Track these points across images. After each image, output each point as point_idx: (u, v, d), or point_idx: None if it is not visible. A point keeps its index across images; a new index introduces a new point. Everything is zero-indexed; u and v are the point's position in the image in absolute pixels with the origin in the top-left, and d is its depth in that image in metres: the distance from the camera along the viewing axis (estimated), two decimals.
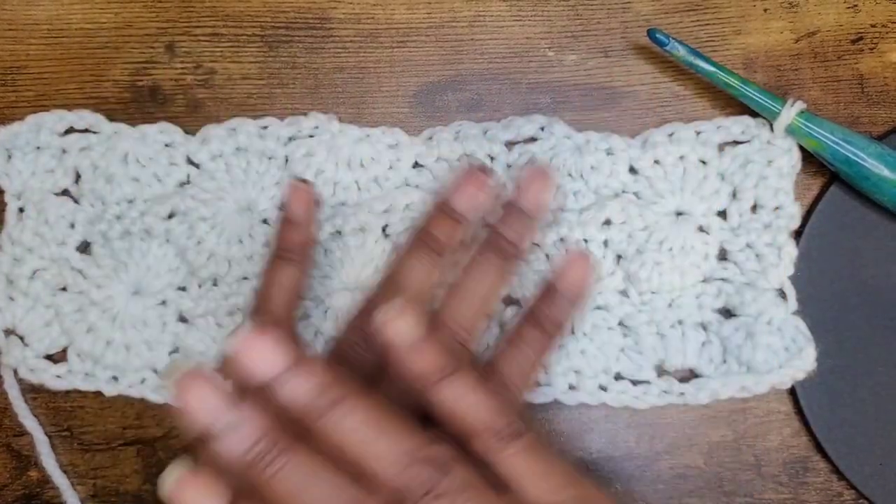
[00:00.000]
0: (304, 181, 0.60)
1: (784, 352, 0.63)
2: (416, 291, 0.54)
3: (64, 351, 0.65)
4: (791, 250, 0.63)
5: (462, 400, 0.48)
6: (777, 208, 0.64)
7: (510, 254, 0.56)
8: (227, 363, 0.44)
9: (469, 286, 0.55)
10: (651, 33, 0.63)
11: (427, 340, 0.48)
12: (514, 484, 0.48)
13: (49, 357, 0.65)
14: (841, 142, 0.62)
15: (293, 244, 0.59)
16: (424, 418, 0.49)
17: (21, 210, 0.66)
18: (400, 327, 0.48)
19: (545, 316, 0.56)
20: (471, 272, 0.56)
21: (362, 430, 0.45)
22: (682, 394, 0.63)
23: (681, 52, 0.63)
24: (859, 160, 0.61)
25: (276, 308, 0.58)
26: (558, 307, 0.56)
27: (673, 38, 0.63)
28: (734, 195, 0.65)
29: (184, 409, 0.43)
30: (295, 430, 0.44)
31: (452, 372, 0.48)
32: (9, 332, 0.65)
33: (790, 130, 0.63)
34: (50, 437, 0.65)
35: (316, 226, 0.61)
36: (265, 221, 0.65)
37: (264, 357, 0.44)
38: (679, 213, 0.65)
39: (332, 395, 0.45)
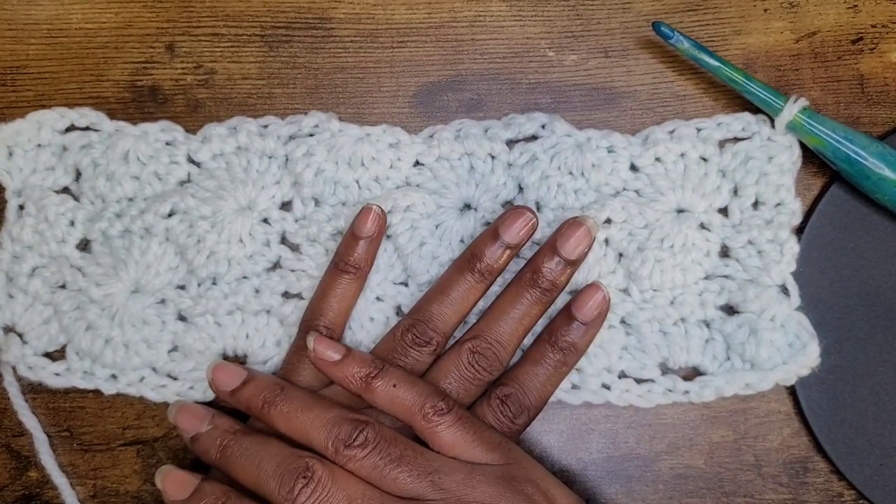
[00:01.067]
0: (379, 207, 0.63)
1: (788, 348, 0.63)
2: (457, 302, 0.61)
3: (63, 349, 0.65)
4: (793, 246, 0.63)
5: (389, 393, 0.57)
6: (778, 204, 0.64)
7: (548, 291, 0.61)
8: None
9: (507, 310, 0.61)
10: (656, 26, 0.63)
11: (346, 357, 0.58)
12: (449, 452, 0.57)
13: (48, 355, 0.65)
14: (843, 140, 0.62)
15: (357, 259, 0.62)
16: None
17: (21, 207, 0.66)
18: (320, 352, 0.59)
19: (563, 339, 0.61)
20: (511, 299, 0.62)
21: (297, 410, 0.57)
22: (686, 392, 0.63)
23: (685, 45, 0.63)
24: (861, 159, 0.61)
25: (332, 315, 0.62)
26: (575, 332, 0.61)
27: (677, 32, 0.63)
28: (735, 192, 0.65)
29: (178, 425, 0.60)
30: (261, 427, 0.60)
31: (377, 374, 0.58)
32: (8, 330, 0.65)
33: (792, 127, 0.63)
34: (50, 438, 0.65)
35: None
36: (265, 221, 0.65)
37: (226, 379, 0.60)
38: (680, 211, 0.65)
39: (273, 392, 0.58)
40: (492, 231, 0.61)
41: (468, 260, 0.61)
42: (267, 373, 0.64)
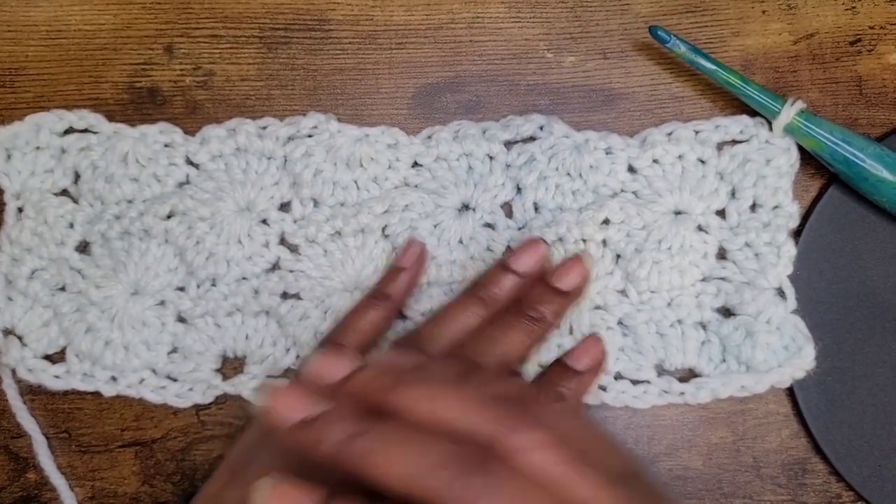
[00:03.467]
0: (421, 242, 0.64)
1: (783, 351, 0.63)
2: (449, 323, 0.59)
3: (62, 351, 0.65)
4: (790, 249, 0.63)
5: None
6: (776, 207, 0.64)
7: (542, 322, 0.59)
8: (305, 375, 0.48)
9: (497, 337, 0.58)
10: (653, 30, 0.63)
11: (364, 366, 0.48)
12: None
13: (47, 357, 0.65)
14: (840, 142, 0.62)
15: (393, 290, 0.62)
16: None
17: (20, 210, 0.66)
18: (323, 366, 0.47)
19: (561, 385, 0.60)
20: (504, 328, 0.59)
21: (444, 386, 0.46)
22: (682, 393, 0.63)
23: (682, 49, 0.63)
24: (858, 161, 0.61)
25: (354, 336, 0.61)
26: (573, 383, 0.60)
27: (674, 36, 0.63)
28: (733, 194, 0.65)
29: (274, 409, 0.45)
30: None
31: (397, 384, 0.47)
32: (7, 332, 0.65)
33: (789, 130, 0.63)
34: (48, 439, 0.65)
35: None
36: (264, 222, 0.65)
37: (330, 369, 0.47)
38: (678, 213, 0.65)
39: (403, 373, 0.47)
40: (501, 260, 0.61)
41: (473, 284, 0.61)
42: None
